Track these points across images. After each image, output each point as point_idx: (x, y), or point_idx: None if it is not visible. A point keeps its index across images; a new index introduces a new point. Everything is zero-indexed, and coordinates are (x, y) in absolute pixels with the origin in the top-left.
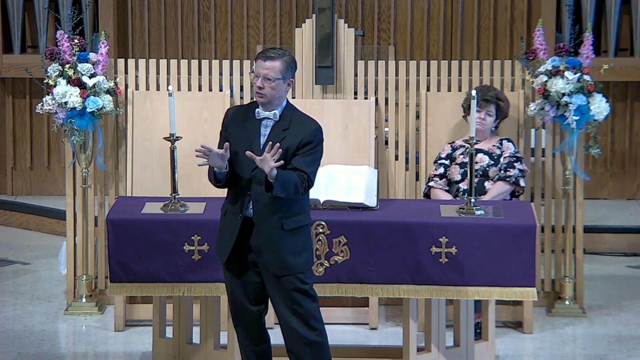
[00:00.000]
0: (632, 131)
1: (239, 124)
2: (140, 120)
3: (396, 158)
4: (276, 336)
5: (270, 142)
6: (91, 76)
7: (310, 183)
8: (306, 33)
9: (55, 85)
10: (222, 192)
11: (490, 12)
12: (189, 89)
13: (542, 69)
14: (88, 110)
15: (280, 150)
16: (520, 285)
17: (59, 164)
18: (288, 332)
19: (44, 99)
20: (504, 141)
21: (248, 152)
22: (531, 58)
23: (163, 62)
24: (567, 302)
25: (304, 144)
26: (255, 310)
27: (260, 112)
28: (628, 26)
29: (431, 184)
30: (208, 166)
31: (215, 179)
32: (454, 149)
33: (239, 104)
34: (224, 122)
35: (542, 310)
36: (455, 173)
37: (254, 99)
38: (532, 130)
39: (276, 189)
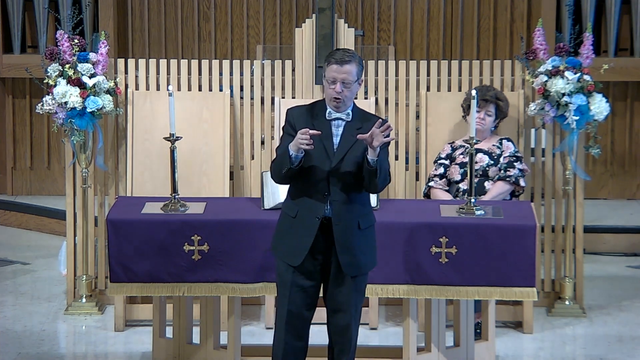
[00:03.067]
0: (632, 131)
1: (308, 123)
2: (140, 120)
3: (396, 158)
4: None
5: (380, 120)
6: (91, 76)
7: (390, 175)
8: (306, 33)
9: (55, 85)
10: (222, 192)
11: (490, 12)
12: (189, 89)
13: (542, 69)
14: (88, 110)
15: (391, 127)
16: (520, 285)
17: (59, 164)
18: (341, 334)
19: (44, 99)
20: (503, 141)
21: (360, 135)
22: (531, 58)
23: (163, 62)
24: (567, 302)
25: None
26: (309, 316)
27: (332, 112)
28: (628, 26)
29: (431, 184)
30: (278, 159)
31: (290, 161)
32: (453, 149)
33: (239, 104)
34: (289, 120)
35: (542, 310)
36: (455, 173)
37: (320, 100)
38: (532, 130)
39: (378, 167)
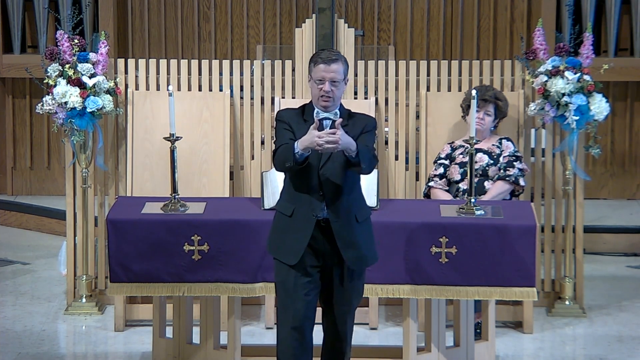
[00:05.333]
0: (632, 131)
1: (299, 124)
2: (140, 120)
3: (396, 158)
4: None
5: (336, 121)
6: (91, 76)
7: (376, 158)
8: (306, 33)
9: (55, 85)
10: (222, 192)
11: (490, 12)
12: (189, 89)
13: (542, 69)
14: (88, 110)
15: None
16: (520, 285)
17: (59, 164)
18: (335, 337)
19: (44, 99)
20: (503, 140)
21: (338, 121)
22: (531, 58)
23: (163, 62)
24: (567, 302)
25: (366, 131)
26: (312, 317)
27: (321, 113)
28: (628, 26)
29: (431, 184)
30: (281, 152)
31: (295, 159)
32: (453, 149)
33: (239, 104)
34: (284, 120)
35: (542, 310)
36: (455, 173)
37: (308, 103)
38: (532, 130)
39: (360, 157)
